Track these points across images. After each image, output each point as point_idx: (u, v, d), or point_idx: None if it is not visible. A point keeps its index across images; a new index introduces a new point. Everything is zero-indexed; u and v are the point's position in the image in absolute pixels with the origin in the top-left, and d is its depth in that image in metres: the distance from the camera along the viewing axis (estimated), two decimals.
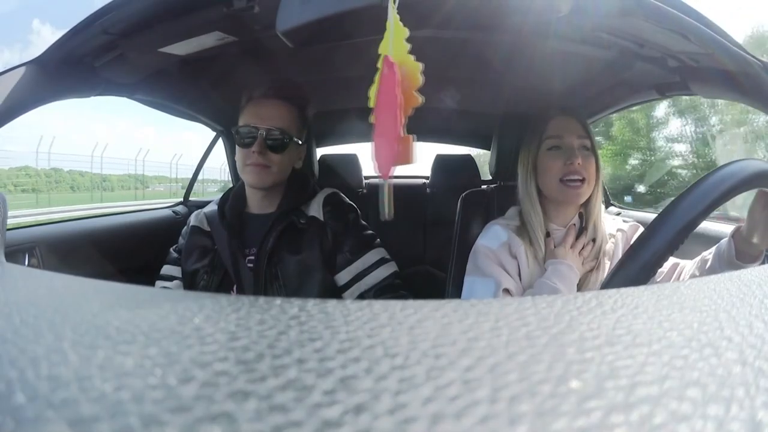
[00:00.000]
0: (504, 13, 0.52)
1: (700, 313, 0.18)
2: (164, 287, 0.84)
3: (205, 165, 1.60)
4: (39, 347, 0.14)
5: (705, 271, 0.64)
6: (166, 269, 0.86)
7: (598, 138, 1.10)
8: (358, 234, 0.83)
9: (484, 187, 1.06)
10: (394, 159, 0.29)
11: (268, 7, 0.60)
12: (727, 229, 0.72)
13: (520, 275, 0.75)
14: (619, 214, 1.25)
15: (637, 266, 0.40)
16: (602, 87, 1.03)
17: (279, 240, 0.79)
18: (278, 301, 0.19)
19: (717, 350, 0.14)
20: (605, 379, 0.12)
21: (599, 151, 0.79)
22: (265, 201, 0.83)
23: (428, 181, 1.67)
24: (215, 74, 1.01)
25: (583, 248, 0.75)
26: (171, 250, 0.88)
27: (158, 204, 1.54)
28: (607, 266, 0.74)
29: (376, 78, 0.30)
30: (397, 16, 0.30)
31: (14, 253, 0.82)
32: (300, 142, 0.84)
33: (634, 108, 1.14)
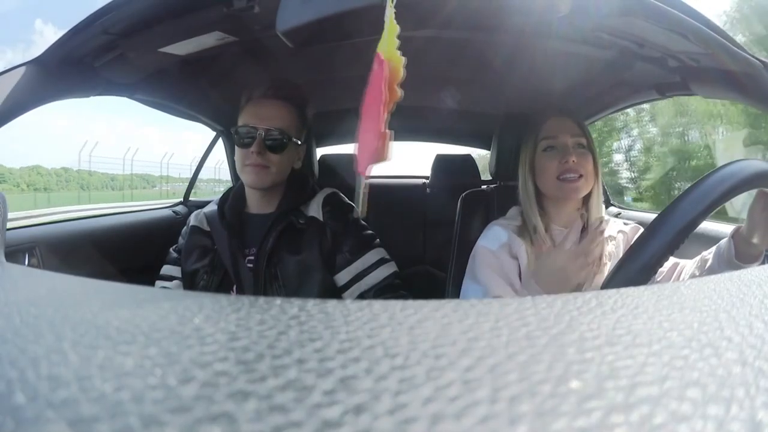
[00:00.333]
0: (504, 13, 0.52)
1: (700, 313, 0.18)
2: (164, 287, 0.84)
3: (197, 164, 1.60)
4: (39, 347, 0.14)
5: (705, 271, 0.64)
6: (166, 269, 0.86)
7: None
8: (357, 234, 0.83)
9: (484, 187, 1.06)
10: (373, 156, 0.29)
11: (268, 7, 0.60)
12: (726, 229, 0.72)
13: (520, 276, 0.75)
14: (619, 214, 1.25)
15: (637, 266, 0.40)
16: (602, 87, 1.03)
17: (279, 240, 0.79)
18: (278, 301, 0.19)
19: (717, 350, 0.14)
20: (605, 379, 0.12)
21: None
22: (265, 201, 0.83)
23: (428, 181, 1.67)
24: (215, 74, 1.01)
25: (592, 247, 0.69)
26: (171, 250, 0.88)
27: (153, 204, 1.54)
28: (607, 268, 0.74)
29: None
30: (393, 15, 0.30)
31: (14, 253, 0.82)
32: (299, 143, 0.84)
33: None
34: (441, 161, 1.59)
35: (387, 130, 0.29)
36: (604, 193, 1.55)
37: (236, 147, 0.80)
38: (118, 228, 1.16)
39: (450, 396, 0.11)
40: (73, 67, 0.69)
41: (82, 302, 0.20)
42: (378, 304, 0.18)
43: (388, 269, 0.81)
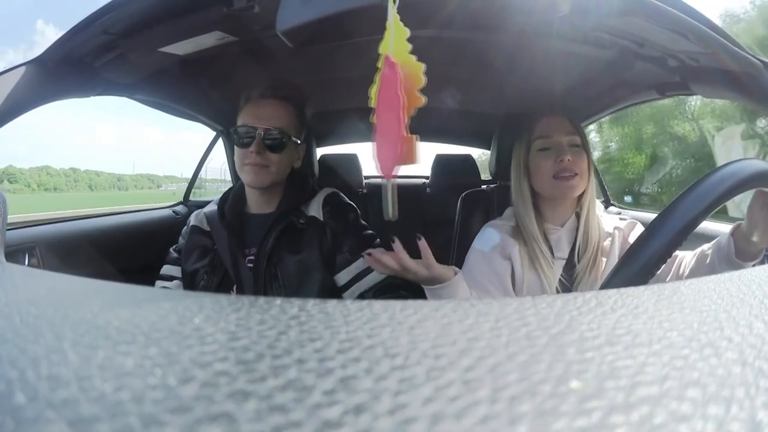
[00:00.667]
0: (505, 13, 0.52)
1: (700, 313, 0.18)
2: (164, 287, 0.84)
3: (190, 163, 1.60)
4: (39, 347, 0.14)
5: (705, 266, 0.64)
6: (166, 269, 0.86)
7: None
8: (357, 234, 0.83)
9: (484, 187, 1.06)
10: (398, 159, 0.29)
11: (268, 7, 0.60)
12: (726, 228, 0.72)
13: (513, 276, 0.75)
14: (619, 214, 1.25)
15: (637, 266, 0.40)
16: (602, 87, 1.03)
17: (279, 240, 0.79)
18: (278, 301, 0.19)
19: (717, 350, 0.14)
20: (605, 379, 0.12)
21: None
22: (265, 201, 0.83)
23: (428, 181, 1.67)
24: (215, 74, 1.01)
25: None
26: (171, 250, 0.88)
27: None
28: (603, 263, 0.74)
29: (377, 78, 0.30)
30: (397, 16, 0.30)
31: (14, 253, 0.82)
32: (299, 142, 0.84)
33: None
34: (441, 161, 1.58)
35: (411, 135, 0.29)
36: (604, 192, 1.55)
37: (236, 147, 0.80)
38: (118, 228, 1.16)
39: (450, 396, 0.11)
40: (73, 67, 0.69)
41: (82, 302, 0.20)
42: (378, 304, 0.18)
43: None
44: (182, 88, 1.04)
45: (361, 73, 1.03)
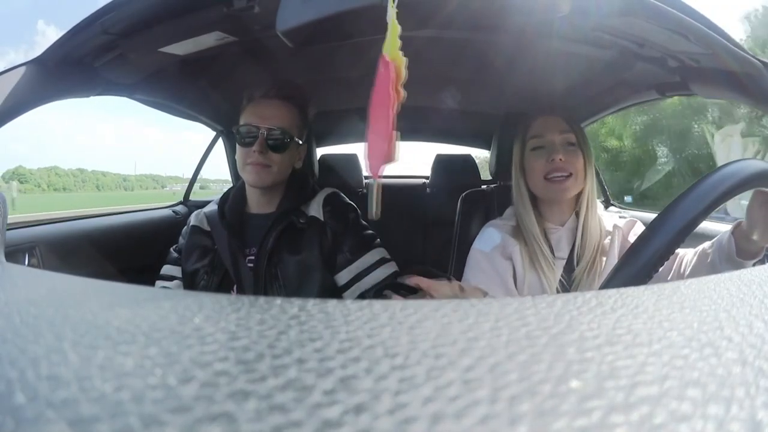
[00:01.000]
0: (505, 13, 0.52)
1: (700, 313, 0.18)
2: (164, 287, 0.84)
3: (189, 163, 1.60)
4: (39, 347, 0.14)
5: (706, 264, 0.64)
6: (167, 269, 0.86)
7: None
8: (358, 234, 0.83)
9: (484, 187, 1.06)
10: (384, 158, 0.29)
11: (268, 7, 0.60)
12: (726, 228, 0.72)
13: (515, 276, 0.74)
14: (618, 213, 1.25)
15: (637, 266, 0.40)
16: (602, 87, 1.03)
17: (279, 240, 0.79)
18: (278, 301, 0.19)
19: (717, 350, 0.14)
20: (605, 379, 0.12)
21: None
22: (265, 201, 0.83)
23: (428, 181, 1.67)
24: (215, 74, 1.01)
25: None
26: (171, 249, 0.88)
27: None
28: (603, 263, 0.74)
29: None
30: (395, 15, 0.30)
31: (14, 253, 0.82)
32: (300, 142, 0.84)
33: None
34: (441, 161, 1.58)
35: (394, 132, 0.29)
36: (604, 192, 1.55)
37: (238, 146, 0.80)
38: (118, 228, 1.16)
39: (450, 396, 0.11)
40: (73, 67, 0.69)
41: (82, 302, 0.20)
42: (378, 304, 0.18)
43: (389, 269, 0.81)
44: (182, 88, 1.04)
45: (361, 73, 1.03)
